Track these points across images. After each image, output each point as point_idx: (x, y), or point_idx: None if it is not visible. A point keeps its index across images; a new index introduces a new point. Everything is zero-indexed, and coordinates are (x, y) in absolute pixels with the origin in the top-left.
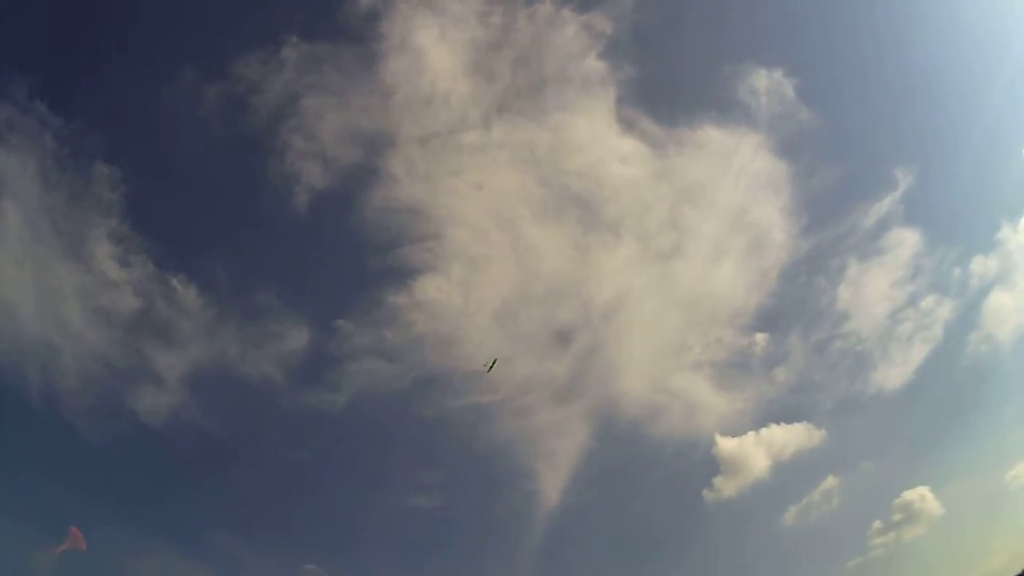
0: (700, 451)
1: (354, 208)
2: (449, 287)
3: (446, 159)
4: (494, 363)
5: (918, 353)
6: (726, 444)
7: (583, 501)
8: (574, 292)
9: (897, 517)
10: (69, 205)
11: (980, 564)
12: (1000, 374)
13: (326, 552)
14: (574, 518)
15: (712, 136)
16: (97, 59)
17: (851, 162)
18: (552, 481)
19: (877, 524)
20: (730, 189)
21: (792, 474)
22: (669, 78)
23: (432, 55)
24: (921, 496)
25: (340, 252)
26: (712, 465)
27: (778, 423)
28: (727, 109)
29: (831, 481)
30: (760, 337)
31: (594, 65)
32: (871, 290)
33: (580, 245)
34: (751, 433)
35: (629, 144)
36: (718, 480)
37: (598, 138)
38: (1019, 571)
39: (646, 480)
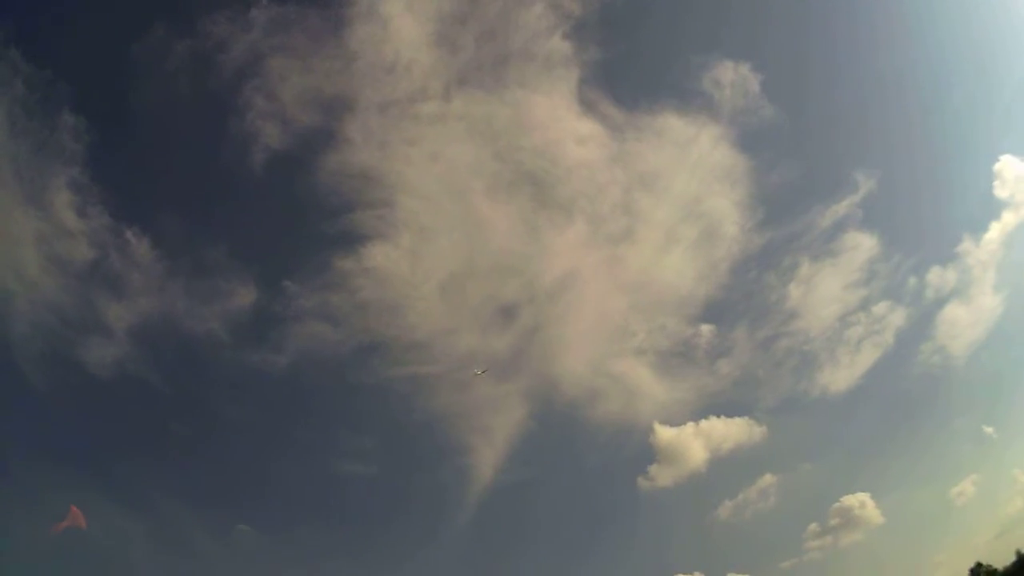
0: (637, 438)
1: (309, 170)
2: (398, 255)
3: (404, 127)
4: (483, 372)
5: (867, 358)
6: (664, 433)
7: (517, 480)
8: (522, 269)
9: (835, 521)
10: (33, 152)
11: None
12: (951, 388)
13: (259, 513)
14: (507, 496)
15: (672, 124)
16: (72, 9)
17: (812, 162)
18: (487, 457)
19: (814, 527)
20: (686, 178)
21: (729, 468)
22: (633, 63)
23: (398, 23)
24: (861, 503)
25: (292, 213)
26: (648, 453)
27: (718, 416)
28: (690, 98)
29: (769, 479)
30: (706, 328)
31: (559, 45)
32: (822, 291)
33: (531, 223)
34: (690, 424)
35: (588, 126)
36: (653, 468)
37: (557, 117)
38: None
39: (581, 463)
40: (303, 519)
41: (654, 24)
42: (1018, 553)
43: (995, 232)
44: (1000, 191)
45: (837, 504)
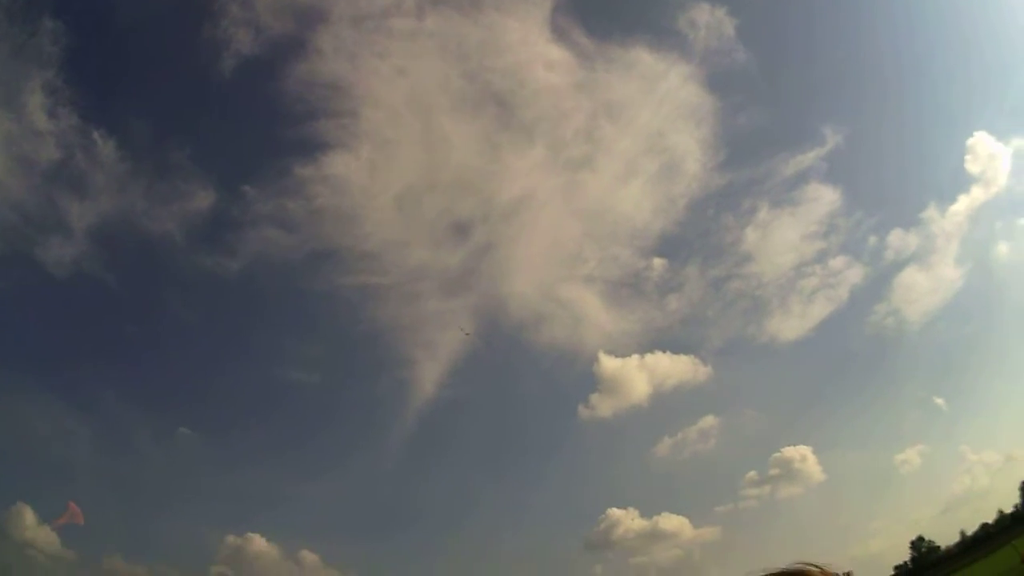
0: (580, 365)
1: (277, 78)
2: (357, 165)
3: (375, 41)
4: (468, 333)
5: (819, 310)
6: (608, 363)
7: (458, 396)
8: (479, 187)
9: (774, 471)
10: (11, 55)
11: (857, 543)
12: (903, 353)
13: (202, 416)
14: (447, 413)
15: (643, 58)
16: None
17: (781, 110)
18: (429, 372)
19: (752, 474)
20: (651, 112)
21: (671, 405)
22: None
23: None
24: (802, 456)
25: (256, 119)
26: (591, 381)
27: (664, 351)
28: (663, 35)
29: (710, 420)
30: (658, 262)
31: None
32: (779, 238)
33: (492, 142)
34: (635, 356)
35: (558, 52)
36: (595, 397)
37: (528, 41)
38: (899, 562)
39: (523, 385)
40: (244, 423)
41: None
42: (962, 533)
43: (962, 205)
44: (972, 166)
45: (778, 454)
